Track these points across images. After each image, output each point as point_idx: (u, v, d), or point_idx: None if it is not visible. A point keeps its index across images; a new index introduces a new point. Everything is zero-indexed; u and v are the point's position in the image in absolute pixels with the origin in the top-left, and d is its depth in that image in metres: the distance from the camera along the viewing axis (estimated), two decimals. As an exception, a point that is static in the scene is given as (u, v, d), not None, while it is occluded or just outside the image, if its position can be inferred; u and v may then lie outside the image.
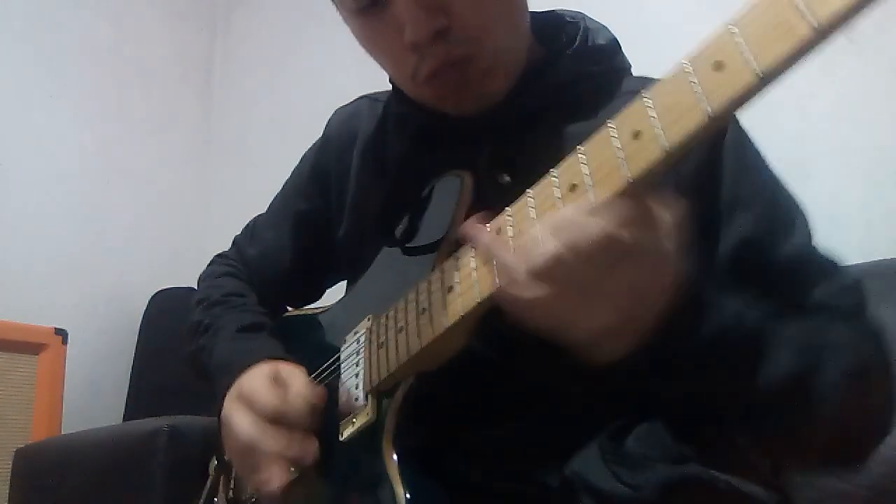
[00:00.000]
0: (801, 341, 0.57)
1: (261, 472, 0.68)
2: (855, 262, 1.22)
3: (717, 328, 0.53)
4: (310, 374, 0.75)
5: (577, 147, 0.50)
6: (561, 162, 0.51)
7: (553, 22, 0.81)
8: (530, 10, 0.78)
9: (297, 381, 0.72)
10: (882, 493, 0.96)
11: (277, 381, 0.71)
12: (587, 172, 0.48)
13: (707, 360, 0.53)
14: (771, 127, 1.60)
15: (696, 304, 0.53)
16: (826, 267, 0.66)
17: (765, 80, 0.39)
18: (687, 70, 0.43)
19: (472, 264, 0.56)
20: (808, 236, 0.68)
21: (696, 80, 0.42)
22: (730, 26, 0.41)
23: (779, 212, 0.69)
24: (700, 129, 0.42)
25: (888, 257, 1.23)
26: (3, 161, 2.14)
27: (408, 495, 0.57)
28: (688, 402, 0.58)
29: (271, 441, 0.67)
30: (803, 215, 0.70)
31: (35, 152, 2.23)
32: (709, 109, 0.41)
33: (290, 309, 0.95)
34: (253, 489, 0.76)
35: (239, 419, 0.70)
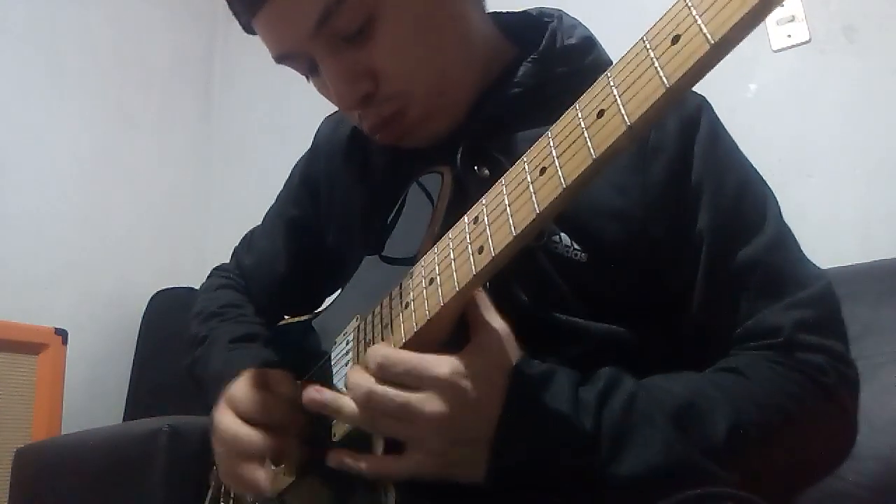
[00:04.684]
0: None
1: (245, 472, 0.69)
2: (855, 262, 1.22)
3: (645, 466, 0.55)
4: (302, 378, 0.75)
5: (547, 132, 0.51)
6: (532, 147, 0.52)
7: (528, 22, 0.81)
8: (507, 10, 0.80)
9: (281, 384, 0.73)
10: (882, 492, 0.96)
11: (262, 385, 0.73)
12: (555, 155, 0.48)
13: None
14: (771, 127, 1.61)
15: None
16: (779, 285, 0.66)
17: (719, 48, 0.40)
18: (646, 45, 0.44)
19: (451, 255, 0.56)
20: (774, 246, 0.67)
21: (654, 55, 0.43)
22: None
23: (742, 216, 0.69)
24: (659, 102, 0.42)
25: (888, 257, 1.23)
26: (3, 161, 2.14)
27: (397, 491, 0.57)
28: None
29: (253, 439, 0.69)
30: (775, 224, 0.69)
31: (35, 152, 2.23)
32: (667, 82, 0.42)
33: (287, 317, 0.95)
34: (239, 491, 0.76)
35: (223, 420, 0.72)
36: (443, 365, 0.55)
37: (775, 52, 1.67)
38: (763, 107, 1.65)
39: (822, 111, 1.60)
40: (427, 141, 0.75)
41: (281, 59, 0.73)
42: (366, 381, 0.57)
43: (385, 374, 0.56)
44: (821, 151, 1.58)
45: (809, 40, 1.64)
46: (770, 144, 1.56)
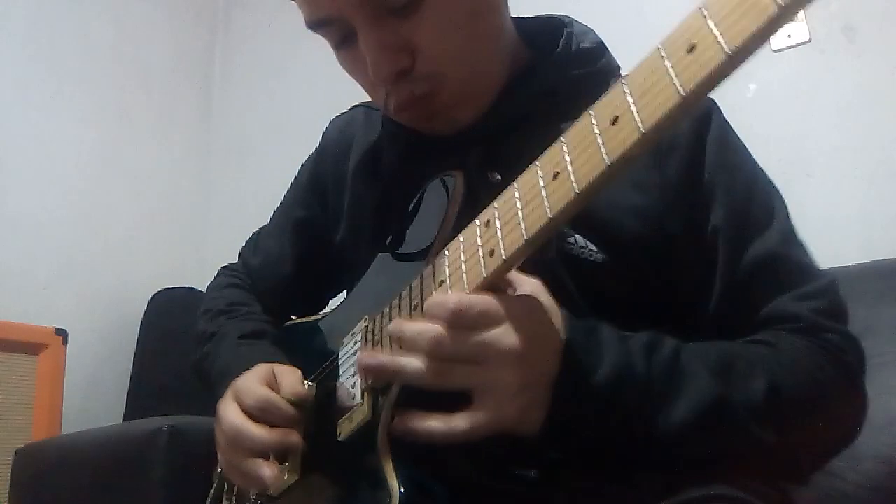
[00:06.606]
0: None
1: (247, 467, 0.69)
2: (855, 262, 1.22)
3: (691, 412, 0.56)
4: (309, 377, 0.75)
5: (561, 137, 0.51)
6: (545, 152, 0.52)
7: (542, 28, 0.82)
8: (524, 15, 0.80)
9: (288, 380, 0.73)
10: (882, 493, 0.96)
11: (269, 380, 0.73)
12: (568, 160, 0.49)
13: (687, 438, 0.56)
14: (771, 127, 1.61)
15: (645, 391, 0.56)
16: (793, 277, 0.68)
17: (734, 58, 0.40)
18: (662, 54, 0.44)
19: (462, 257, 0.57)
20: (784, 240, 0.69)
21: (669, 64, 0.43)
22: (701, 8, 0.42)
23: (754, 211, 0.70)
24: (674, 110, 0.43)
25: (888, 257, 1.23)
26: (3, 161, 2.14)
27: (402, 489, 0.57)
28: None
29: (254, 435, 0.69)
30: (784, 219, 0.71)
31: (35, 152, 2.23)
32: (682, 91, 0.42)
33: (294, 318, 0.95)
34: (241, 485, 0.76)
35: (227, 410, 0.72)
36: (513, 302, 0.54)
37: (775, 52, 1.67)
38: (763, 107, 1.65)
39: (822, 111, 1.60)
40: (449, 128, 0.75)
41: (315, 25, 0.71)
42: (432, 328, 0.53)
43: (461, 318, 0.52)
44: (821, 151, 1.58)
45: (809, 40, 1.64)
46: (770, 144, 1.55)
